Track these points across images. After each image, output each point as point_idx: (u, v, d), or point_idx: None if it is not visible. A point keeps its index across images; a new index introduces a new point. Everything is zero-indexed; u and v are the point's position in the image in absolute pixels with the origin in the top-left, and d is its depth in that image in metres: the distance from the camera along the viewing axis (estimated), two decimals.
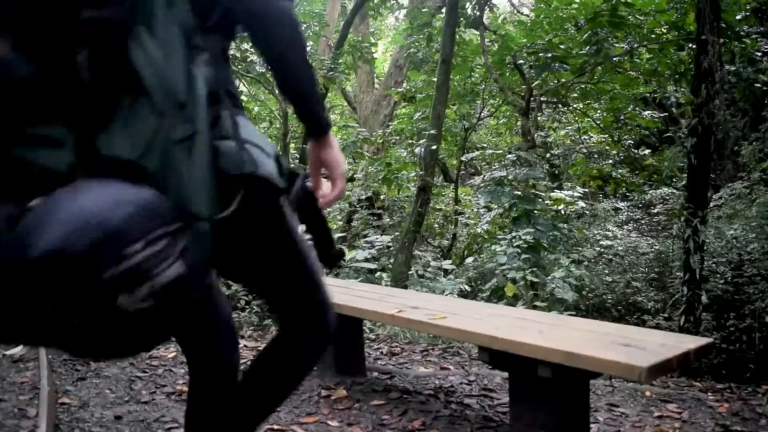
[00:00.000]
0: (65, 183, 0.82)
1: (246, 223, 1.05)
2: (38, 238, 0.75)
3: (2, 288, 0.77)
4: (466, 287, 6.13)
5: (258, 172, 1.01)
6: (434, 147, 6.86)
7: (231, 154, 0.99)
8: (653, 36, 6.87)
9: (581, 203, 7.73)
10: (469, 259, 7.90)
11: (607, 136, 9.49)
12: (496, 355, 2.11)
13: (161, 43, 0.90)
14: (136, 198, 0.82)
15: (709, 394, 3.39)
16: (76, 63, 0.85)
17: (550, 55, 6.73)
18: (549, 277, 5.46)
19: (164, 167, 0.87)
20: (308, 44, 9.62)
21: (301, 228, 1.23)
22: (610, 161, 9.93)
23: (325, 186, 1.30)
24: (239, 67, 8.13)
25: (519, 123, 8.59)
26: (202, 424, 1.33)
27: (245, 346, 4.28)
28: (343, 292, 3.12)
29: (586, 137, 9.97)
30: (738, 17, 6.14)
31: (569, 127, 10.07)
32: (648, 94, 8.86)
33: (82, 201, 0.79)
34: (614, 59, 6.96)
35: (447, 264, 6.32)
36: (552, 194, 7.51)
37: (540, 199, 6.68)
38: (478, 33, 8.81)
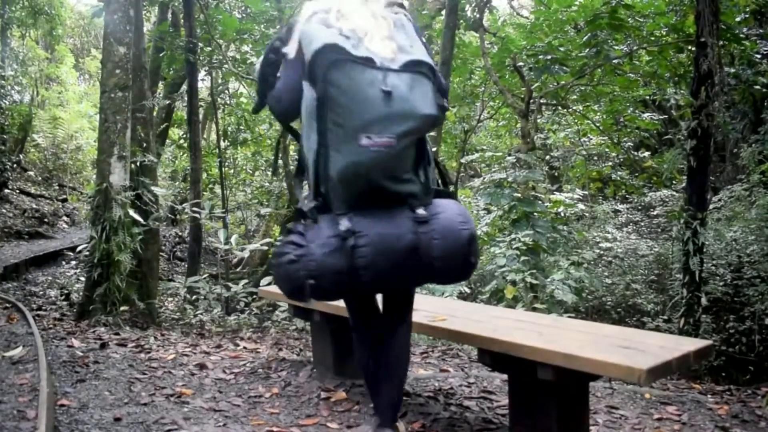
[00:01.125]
0: (419, 201, 1.87)
1: None
2: (466, 226, 1.86)
3: (453, 248, 1.84)
4: (466, 289, 6.13)
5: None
6: (433, 149, 6.85)
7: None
8: (653, 38, 6.87)
9: (581, 205, 7.73)
10: None
11: (606, 138, 9.50)
12: (495, 357, 2.12)
13: (425, 137, 1.93)
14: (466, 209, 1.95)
15: (709, 396, 3.39)
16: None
17: (549, 57, 6.74)
18: (548, 279, 5.46)
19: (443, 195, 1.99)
20: None
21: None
22: (610, 163, 9.93)
23: None
24: (239, 69, 8.15)
25: (518, 125, 8.59)
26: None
27: (244, 348, 4.27)
28: None
29: (586, 139, 9.97)
30: (737, 19, 6.15)
31: (569, 130, 10.08)
32: (648, 97, 8.87)
33: (461, 210, 1.90)
34: (614, 61, 6.97)
35: None
36: (552, 196, 7.52)
37: (540, 201, 6.67)
38: (477, 35, 8.83)
